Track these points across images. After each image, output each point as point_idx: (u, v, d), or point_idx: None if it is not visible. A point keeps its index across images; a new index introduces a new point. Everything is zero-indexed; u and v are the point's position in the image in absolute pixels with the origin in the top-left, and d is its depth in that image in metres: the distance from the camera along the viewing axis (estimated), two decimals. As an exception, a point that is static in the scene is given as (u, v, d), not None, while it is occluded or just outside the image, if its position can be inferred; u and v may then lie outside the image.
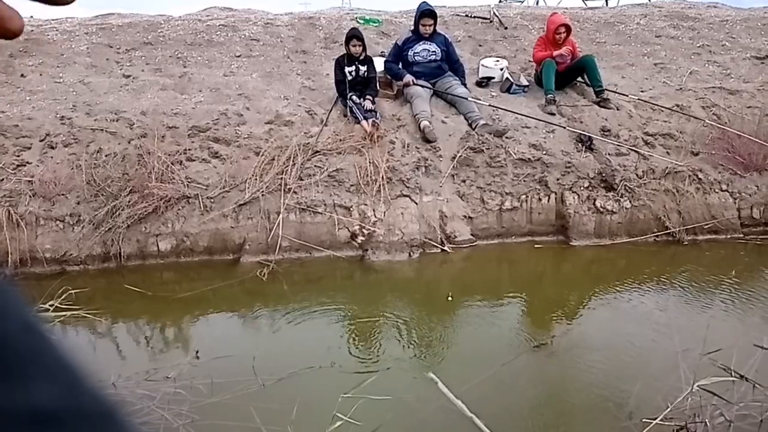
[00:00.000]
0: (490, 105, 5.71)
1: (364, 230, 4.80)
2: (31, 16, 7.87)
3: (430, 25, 5.83)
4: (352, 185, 4.97)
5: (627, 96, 5.94)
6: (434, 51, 5.88)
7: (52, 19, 7.51)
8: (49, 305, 3.67)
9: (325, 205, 4.84)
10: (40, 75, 6.03)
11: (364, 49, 5.68)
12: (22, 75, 5.98)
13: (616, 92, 6.02)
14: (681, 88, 6.40)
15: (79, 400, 0.29)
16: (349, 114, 5.52)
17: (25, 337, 0.28)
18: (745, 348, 3.30)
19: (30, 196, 4.61)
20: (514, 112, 5.66)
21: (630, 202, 5.16)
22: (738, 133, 5.41)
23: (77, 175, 4.75)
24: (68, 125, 5.16)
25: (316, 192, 4.89)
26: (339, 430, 2.68)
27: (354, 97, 5.51)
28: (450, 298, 4.18)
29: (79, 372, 0.30)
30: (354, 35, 5.63)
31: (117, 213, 4.55)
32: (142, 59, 6.50)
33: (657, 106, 5.80)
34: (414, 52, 5.88)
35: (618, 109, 5.90)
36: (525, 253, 5.04)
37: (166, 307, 4.06)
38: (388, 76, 6.04)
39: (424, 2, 5.96)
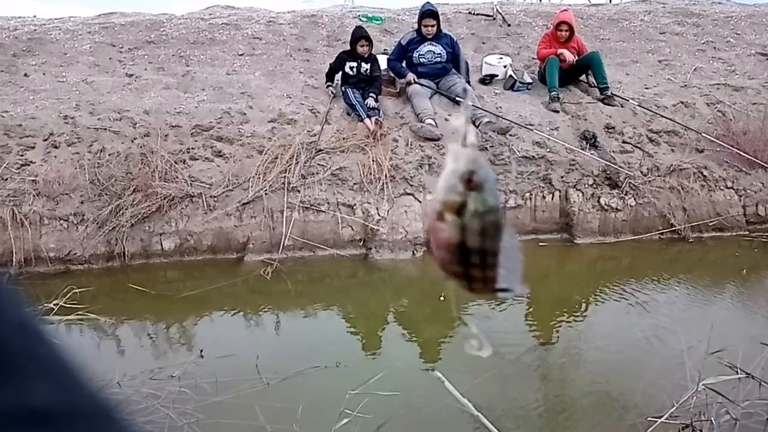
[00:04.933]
0: (483, 109, 5.65)
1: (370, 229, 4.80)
2: (35, 16, 7.89)
3: (432, 26, 5.78)
4: (355, 184, 4.96)
5: (629, 101, 5.89)
6: (439, 53, 5.82)
7: (55, 19, 7.51)
8: (54, 304, 3.67)
9: (328, 203, 4.84)
10: (44, 74, 6.03)
11: (371, 49, 5.68)
12: (25, 74, 5.99)
13: (618, 96, 5.98)
14: (685, 85, 6.37)
15: (76, 399, 0.28)
16: (351, 112, 5.52)
17: (21, 337, 0.28)
18: (751, 345, 3.29)
19: (34, 196, 4.61)
20: (506, 119, 5.64)
21: (635, 199, 5.14)
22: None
23: (81, 174, 4.76)
24: (72, 124, 5.16)
25: (320, 190, 4.89)
26: (346, 428, 2.68)
27: (356, 95, 5.50)
28: (442, 299, 4.17)
29: (76, 372, 0.29)
30: (362, 36, 5.62)
31: (121, 212, 4.55)
32: (144, 58, 6.50)
33: (658, 115, 5.74)
34: (419, 54, 5.83)
35: (622, 107, 5.87)
36: (529, 251, 5.02)
37: (170, 306, 4.06)
38: (391, 74, 6.03)
39: (427, 2, 5.93)
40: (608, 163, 5.23)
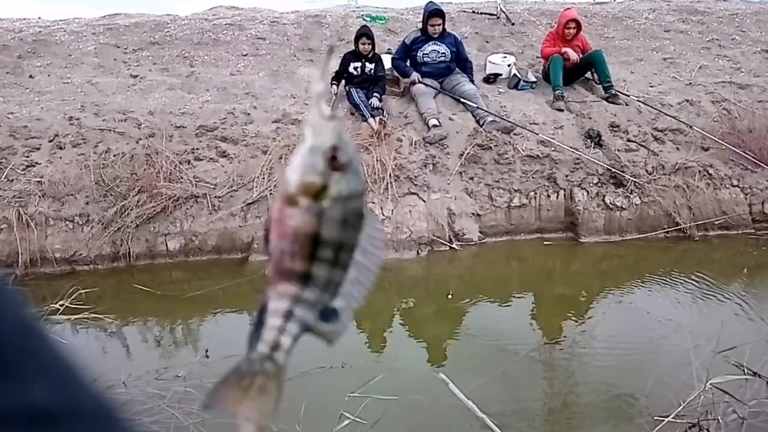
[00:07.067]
0: (487, 111, 5.65)
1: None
2: (39, 17, 7.92)
3: (438, 25, 5.78)
4: (359, 183, 4.95)
5: (633, 98, 5.86)
6: (443, 52, 5.82)
7: (60, 20, 7.54)
8: (59, 305, 3.68)
9: (332, 203, 4.83)
10: (49, 76, 6.06)
11: (373, 48, 5.67)
12: (30, 76, 6.01)
13: (622, 94, 5.95)
14: (690, 83, 6.34)
15: (77, 399, 0.28)
16: (355, 112, 5.52)
17: (21, 337, 0.28)
18: (758, 344, 3.27)
19: (39, 197, 4.63)
20: (508, 120, 5.62)
21: (640, 198, 5.12)
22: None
23: (86, 175, 4.77)
24: (77, 126, 5.18)
25: (324, 190, 4.88)
26: (349, 428, 2.68)
27: (360, 95, 5.50)
28: (450, 297, 4.16)
29: (78, 372, 0.29)
30: (364, 33, 5.62)
31: (126, 213, 4.56)
32: (149, 59, 6.52)
33: (663, 113, 5.72)
34: (423, 53, 5.82)
35: (627, 105, 5.85)
36: (534, 250, 5.02)
37: (175, 307, 4.07)
38: (395, 73, 6.02)
39: (431, 2, 5.93)
40: (607, 166, 5.21)
